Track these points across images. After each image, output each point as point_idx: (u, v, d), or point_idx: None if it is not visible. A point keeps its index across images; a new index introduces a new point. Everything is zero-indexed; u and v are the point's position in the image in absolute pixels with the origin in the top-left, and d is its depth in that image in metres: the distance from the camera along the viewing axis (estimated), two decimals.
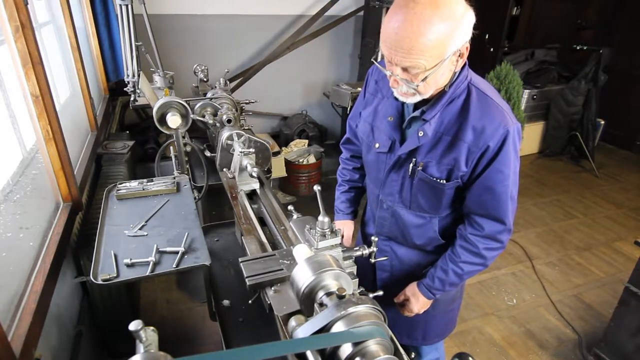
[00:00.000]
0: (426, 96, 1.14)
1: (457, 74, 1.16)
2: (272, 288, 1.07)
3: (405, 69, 1.06)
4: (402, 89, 1.13)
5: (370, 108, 1.38)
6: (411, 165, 1.25)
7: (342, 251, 1.12)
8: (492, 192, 1.20)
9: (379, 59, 1.13)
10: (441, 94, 1.17)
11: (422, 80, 1.06)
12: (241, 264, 1.13)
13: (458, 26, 1.00)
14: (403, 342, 1.59)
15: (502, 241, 1.28)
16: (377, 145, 1.33)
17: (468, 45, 1.07)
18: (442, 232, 1.36)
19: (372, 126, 1.35)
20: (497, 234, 1.26)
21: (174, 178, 1.79)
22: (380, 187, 1.39)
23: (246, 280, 1.07)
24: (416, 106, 1.22)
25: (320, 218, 1.04)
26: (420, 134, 1.19)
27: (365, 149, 1.42)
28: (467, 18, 1.02)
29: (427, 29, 0.96)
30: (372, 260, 1.21)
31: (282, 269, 1.10)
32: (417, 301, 1.41)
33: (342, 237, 1.50)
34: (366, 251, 1.18)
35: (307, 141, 4.35)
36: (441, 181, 1.22)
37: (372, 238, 1.19)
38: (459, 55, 1.07)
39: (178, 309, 2.69)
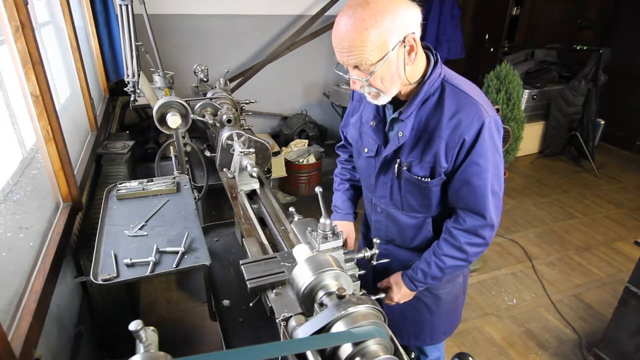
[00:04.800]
0: (390, 94, 1.17)
1: (429, 72, 1.19)
2: (274, 291, 1.06)
3: (356, 67, 1.12)
4: (364, 89, 1.17)
5: (357, 115, 1.42)
6: (396, 166, 1.29)
7: (344, 253, 1.12)
8: (469, 185, 1.20)
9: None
10: (416, 93, 1.20)
11: (371, 74, 1.10)
12: (242, 266, 1.13)
13: (394, 18, 1.04)
14: (411, 343, 1.59)
15: (484, 237, 1.27)
16: (366, 150, 1.36)
17: (415, 37, 1.09)
18: (437, 232, 1.37)
19: (360, 132, 1.39)
20: (478, 228, 1.25)
21: (174, 178, 1.79)
22: (373, 191, 1.42)
23: (247, 283, 1.07)
24: (396, 109, 1.26)
25: (321, 220, 1.04)
26: (400, 134, 1.23)
27: (356, 154, 1.46)
28: (405, 11, 1.06)
29: (360, 26, 1.03)
30: (374, 263, 1.21)
31: (283, 272, 1.10)
32: (399, 291, 1.42)
33: (345, 242, 1.50)
34: (368, 253, 1.18)
35: (307, 141, 4.35)
36: (426, 179, 1.25)
37: (374, 240, 1.20)
38: (408, 49, 1.10)
39: (178, 309, 2.69)
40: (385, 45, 1.06)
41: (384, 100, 1.19)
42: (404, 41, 1.08)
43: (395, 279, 1.43)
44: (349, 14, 1.05)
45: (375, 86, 1.14)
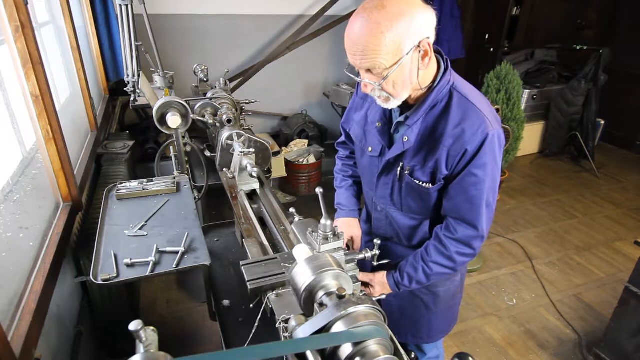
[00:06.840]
0: (400, 98, 1.16)
1: (438, 79, 1.18)
2: (274, 292, 1.06)
3: (369, 71, 1.10)
4: (375, 92, 1.16)
5: (361, 113, 1.41)
6: (399, 169, 1.28)
7: (345, 254, 1.12)
8: (465, 195, 1.21)
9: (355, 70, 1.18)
10: (424, 99, 1.19)
11: (384, 79, 1.08)
12: (242, 267, 1.13)
13: (410, 23, 1.02)
14: (408, 340, 1.59)
15: (474, 248, 1.28)
16: (370, 149, 1.36)
17: (429, 42, 1.08)
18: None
19: (365, 130, 1.38)
20: (469, 239, 1.26)
21: (174, 178, 1.79)
22: (374, 190, 1.42)
23: (247, 284, 1.07)
24: (403, 112, 1.25)
25: (322, 221, 1.04)
26: (405, 139, 1.22)
27: (359, 152, 1.45)
28: (421, 15, 1.04)
29: (375, 29, 1.01)
30: (375, 264, 1.21)
31: (283, 273, 1.10)
32: (381, 290, 1.42)
33: (352, 240, 1.49)
34: (369, 254, 1.18)
35: (307, 141, 4.35)
36: (427, 185, 1.25)
37: (375, 241, 1.20)
38: (423, 53, 1.09)
39: (178, 309, 2.69)
40: (399, 50, 1.04)
41: (394, 104, 1.18)
42: (418, 46, 1.06)
43: (381, 280, 1.42)
44: (364, 16, 1.02)
45: (387, 90, 1.13)
